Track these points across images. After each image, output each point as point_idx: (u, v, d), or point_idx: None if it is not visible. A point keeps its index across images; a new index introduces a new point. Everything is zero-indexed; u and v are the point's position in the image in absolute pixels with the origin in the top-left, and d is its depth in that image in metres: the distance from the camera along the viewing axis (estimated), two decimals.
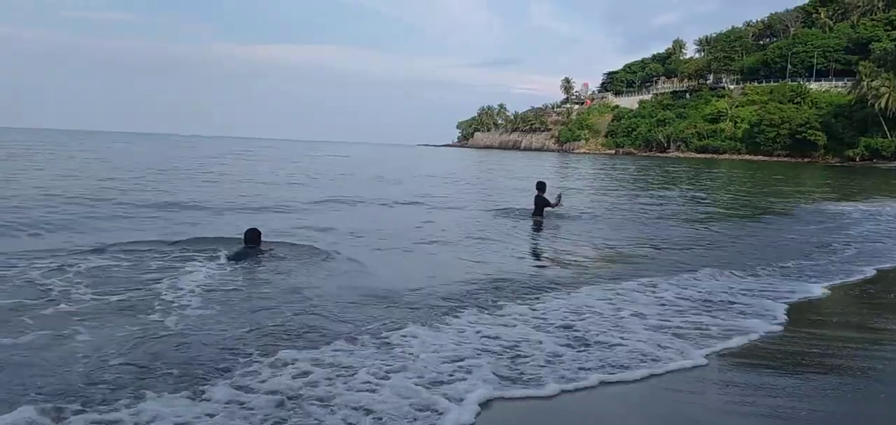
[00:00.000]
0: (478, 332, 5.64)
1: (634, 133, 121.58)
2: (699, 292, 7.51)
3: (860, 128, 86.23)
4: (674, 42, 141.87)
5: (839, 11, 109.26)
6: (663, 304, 6.89)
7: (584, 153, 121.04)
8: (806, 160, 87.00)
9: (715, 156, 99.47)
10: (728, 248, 11.17)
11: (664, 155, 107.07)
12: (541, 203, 13.97)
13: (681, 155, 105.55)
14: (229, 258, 8.56)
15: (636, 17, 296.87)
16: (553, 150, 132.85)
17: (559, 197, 14.16)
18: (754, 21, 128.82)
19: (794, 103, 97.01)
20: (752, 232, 13.85)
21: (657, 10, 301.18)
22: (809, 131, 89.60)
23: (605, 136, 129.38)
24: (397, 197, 18.98)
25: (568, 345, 5.38)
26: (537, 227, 13.13)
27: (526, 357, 5.07)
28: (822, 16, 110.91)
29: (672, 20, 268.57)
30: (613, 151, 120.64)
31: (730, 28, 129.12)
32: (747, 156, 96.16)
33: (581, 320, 6.11)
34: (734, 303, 7.06)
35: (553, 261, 9.70)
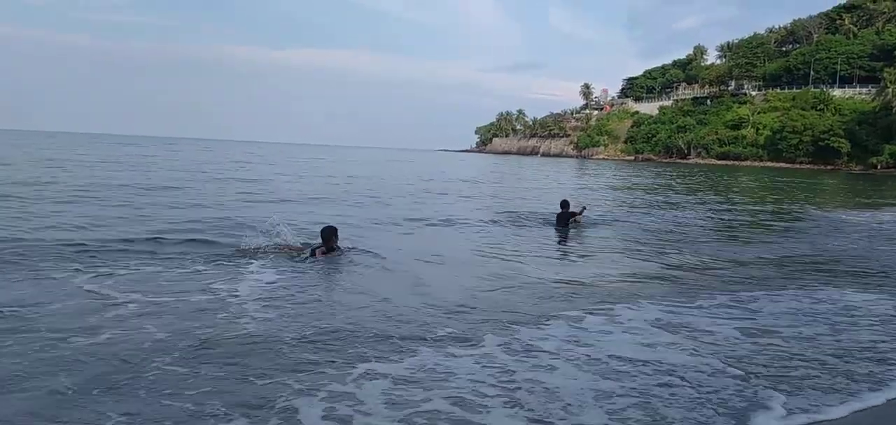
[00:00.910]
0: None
1: (654, 139, 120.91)
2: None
3: (885, 136, 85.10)
4: (694, 48, 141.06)
5: (864, 18, 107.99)
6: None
7: (603, 159, 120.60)
8: (829, 168, 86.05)
9: (736, 163, 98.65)
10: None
11: (684, 161, 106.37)
12: (565, 217, 14.45)
13: (701, 161, 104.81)
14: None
15: (656, 23, 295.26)
16: (571, 156, 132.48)
17: (582, 209, 14.70)
18: (776, 27, 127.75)
19: (816, 110, 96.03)
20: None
21: (678, 15, 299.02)
22: (833, 139, 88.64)
23: (625, 142, 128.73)
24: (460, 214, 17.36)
25: None
26: (563, 238, 13.44)
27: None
28: (846, 22, 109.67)
29: (693, 25, 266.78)
30: (633, 157, 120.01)
31: (751, 34, 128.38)
32: (769, 163, 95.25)
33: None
34: None
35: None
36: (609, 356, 5.31)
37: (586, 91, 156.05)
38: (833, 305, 7.47)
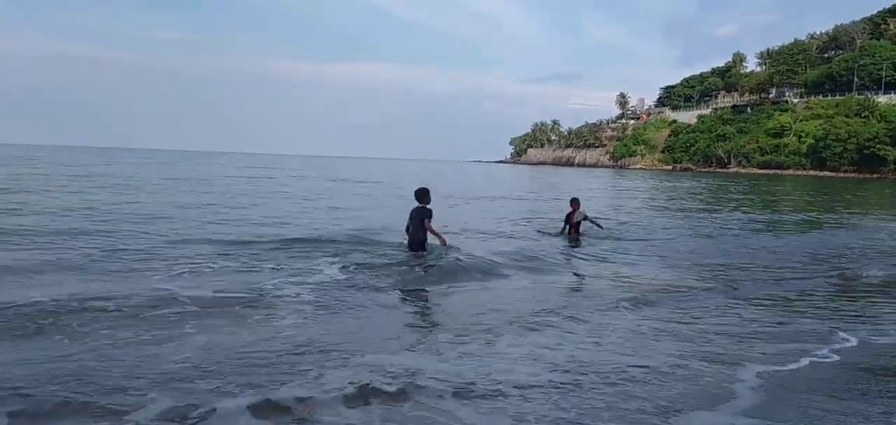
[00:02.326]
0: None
1: (693, 148, 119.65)
2: None
3: None
4: (734, 55, 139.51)
5: None
6: None
7: (640, 169, 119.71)
8: (875, 176, 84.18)
9: (779, 171, 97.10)
10: None
11: (725, 170, 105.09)
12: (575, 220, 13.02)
13: (742, 170, 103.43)
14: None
15: (694, 31, 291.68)
16: (607, 166, 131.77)
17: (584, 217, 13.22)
18: (818, 33, 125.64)
19: (861, 117, 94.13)
20: None
21: (716, 22, 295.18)
22: (878, 146, 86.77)
23: (662, 152, 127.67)
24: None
25: None
26: (575, 243, 12.34)
27: None
28: (892, 27, 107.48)
29: (731, 32, 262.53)
30: (671, 167, 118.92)
31: (793, 40, 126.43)
32: (812, 172, 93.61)
33: None
34: None
35: None
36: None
37: (622, 100, 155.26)
38: None
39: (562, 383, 4.48)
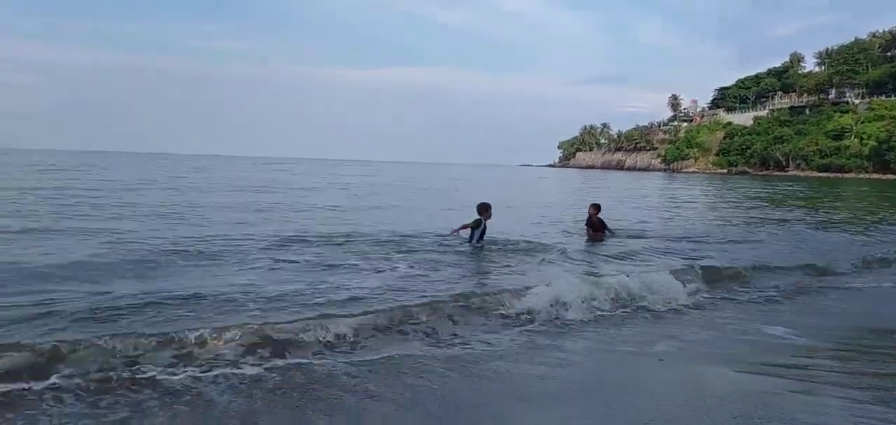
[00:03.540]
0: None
1: (749, 151, 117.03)
2: None
3: None
4: (791, 55, 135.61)
5: None
6: None
7: (693, 172, 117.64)
8: None
9: (840, 175, 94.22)
10: None
11: (783, 174, 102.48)
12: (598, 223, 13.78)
13: (801, 173, 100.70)
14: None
15: (749, 32, 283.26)
16: (659, 170, 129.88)
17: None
18: (881, 31, 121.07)
19: None
20: None
21: (772, 22, 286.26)
22: None
23: (717, 155, 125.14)
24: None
25: None
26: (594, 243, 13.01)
27: None
28: None
29: (788, 33, 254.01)
30: (726, 170, 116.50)
31: (853, 40, 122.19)
32: (875, 175, 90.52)
33: None
34: None
35: None
36: None
37: (675, 102, 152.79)
38: None
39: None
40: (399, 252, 10.51)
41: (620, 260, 10.61)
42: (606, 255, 11.29)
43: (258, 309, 6.40)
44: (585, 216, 14.18)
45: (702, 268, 9.29)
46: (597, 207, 13.89)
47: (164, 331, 5.27)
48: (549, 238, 13.14)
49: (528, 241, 12.14)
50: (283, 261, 9.39)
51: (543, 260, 10.43)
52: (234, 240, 11.13)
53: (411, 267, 9.21)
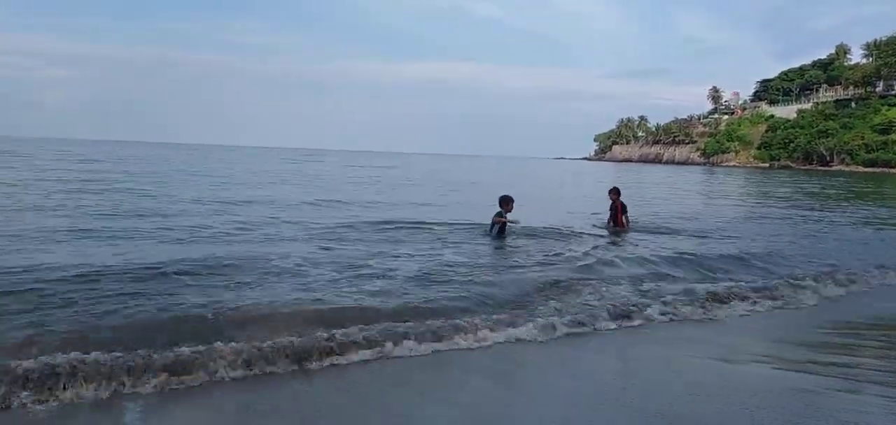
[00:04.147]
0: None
1: (792, 144, 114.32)
2: None
3: None
4: (836, 47, 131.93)
5: None
6: None
7: (734, 166, 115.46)
8: None
9: (887, 170, 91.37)
10: None
11: (826, 168, 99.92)
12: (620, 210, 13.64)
13: (846, 168, 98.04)
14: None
15: (793, 23, 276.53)
16: (698, 163, 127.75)
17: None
18: None
19: None
20: None
21: (817, 14, 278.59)
22: None
23: (758, 148, 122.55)
24: None
25: None
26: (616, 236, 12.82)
27: None
28: None
29: (834, 24, 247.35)
30: (768, 164, 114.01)
31: None
32: None
33: None
34: None
35: None
36: None
37: (715, 95, 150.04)
38: None
39: None
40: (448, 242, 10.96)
41: (642, 263, 9.81)
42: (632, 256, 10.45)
43: None
44: (607, 212, 14.06)
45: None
46: (617, 191, 13.76)
47: None
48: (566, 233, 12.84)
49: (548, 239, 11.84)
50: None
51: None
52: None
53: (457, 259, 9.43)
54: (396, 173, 41.72)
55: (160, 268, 7.51)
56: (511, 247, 10.85)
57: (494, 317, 6.31)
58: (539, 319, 6.29)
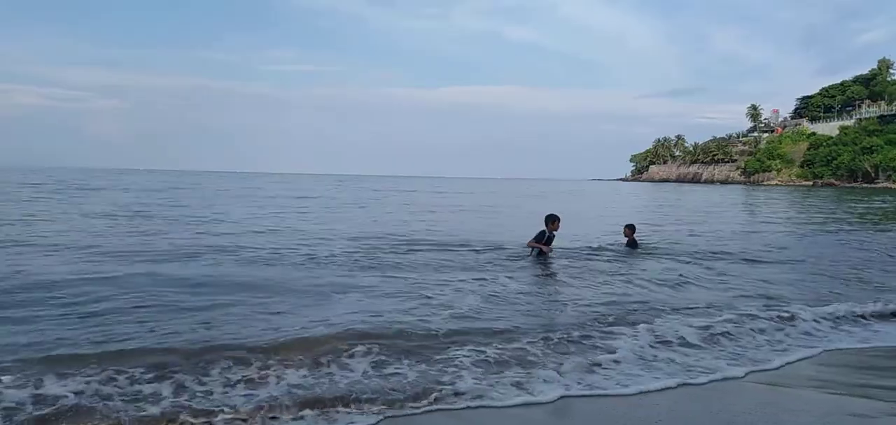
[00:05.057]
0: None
1: (835, 162, 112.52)
2: None
3: None
4: (879, 62, 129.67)
5: None
6: None
7: (776, 185, 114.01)
8: None
9: None
10: None
11: (872, 186, 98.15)
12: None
13: (892, 186, 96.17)
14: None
15: (834, 39, 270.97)
16: (738, 182, 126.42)
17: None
18: None
19: None
20: None
21: (859, 29, 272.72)
22: None
23: (801, 167, 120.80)
24: None
25: None
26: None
27: None
28: None
29: (876, 39, 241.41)
30: (811, 183, 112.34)
31: None
32: None
33: None
34: None
35: None
36: None
37: (754, 112, 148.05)
38: None
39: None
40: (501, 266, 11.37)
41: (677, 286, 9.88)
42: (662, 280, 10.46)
43: None
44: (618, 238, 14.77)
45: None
46: (632, 228, 14.35)
47: None
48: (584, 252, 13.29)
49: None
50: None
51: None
52: None
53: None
54: (452, 200, 42.63)
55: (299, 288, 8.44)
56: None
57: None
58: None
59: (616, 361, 5.81)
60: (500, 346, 6.01)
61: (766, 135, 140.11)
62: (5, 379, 4.69)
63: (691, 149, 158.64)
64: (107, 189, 41.70)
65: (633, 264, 12.01)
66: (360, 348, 5.71)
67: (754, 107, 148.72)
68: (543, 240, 11.91)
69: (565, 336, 6.51)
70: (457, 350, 5.86)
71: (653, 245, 15.20)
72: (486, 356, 5.74)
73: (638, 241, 14.25)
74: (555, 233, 12.15)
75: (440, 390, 4.93)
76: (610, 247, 14.13)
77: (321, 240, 14.75)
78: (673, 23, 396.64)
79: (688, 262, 12.38)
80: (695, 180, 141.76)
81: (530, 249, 12.04)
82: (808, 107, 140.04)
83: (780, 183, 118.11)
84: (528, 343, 6.19)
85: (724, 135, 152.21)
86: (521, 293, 9.04)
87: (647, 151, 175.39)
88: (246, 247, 12.77)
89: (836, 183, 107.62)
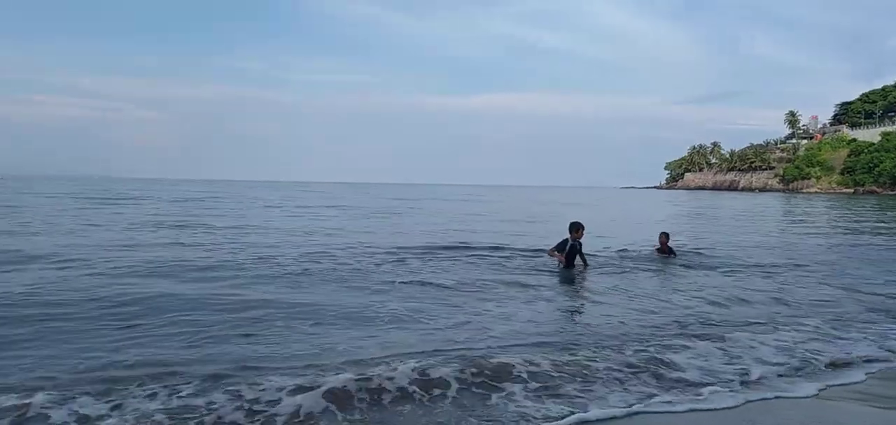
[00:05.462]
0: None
1: (877, 169, 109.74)
2: None
3: None
4: None
5: None
6: None
7: (815, 192, 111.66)
8: None
9: None
10: None
11: None
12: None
13: None
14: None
15: (875, 42, 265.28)
16: (777, 190, 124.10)
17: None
18: None
19: None
20: None
21: None
22: None
23: (841, 174, 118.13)
24: None
25: None
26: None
27: None
28: None
29: None
30: (852, 190, 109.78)
31: None
32: None
33: None
34: None
35: None
36: None
37: (792, 119, 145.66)
38: None
39: None
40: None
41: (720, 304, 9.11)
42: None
43: None
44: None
45: None
46: (666, 236, 14.04)
47: None
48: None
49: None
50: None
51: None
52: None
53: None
54: (483, 207, 42.58)
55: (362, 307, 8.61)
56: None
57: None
58: None
59: (680, 375, 5.61)
60: (555, 360, 5.83)
61: (804, 141, 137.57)
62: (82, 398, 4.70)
63: (728, 156, 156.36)
64: (145, 199, 42.55)
65: (673, 274, 11.78)
66: (405, 366, 5.44)
67: (792, 114, 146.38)
68: (566, 249, 11.35)
69: (618, 348, 6.33)
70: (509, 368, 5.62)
71: (692, 250, 14.97)
72: (542, 368, 5.59)
73: (674, 250, 13.96)
74: (580, 241, 11.56)
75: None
76: (644, 254, 13.97)
77: (368, 248, 14.84)
78: (706, 27, 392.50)
79: (733, 272, 12.03)
80: (732, 188, 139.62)
81: (557, 262, 11.53)
82: (848, 113, 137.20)
83: (819, 190, 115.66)
84: (585, 357, 5.98)
85: (761, 142, 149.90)
86: (566, 305, 8.94)
87: (683, 159, 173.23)
88: (327, 255, 12.94)
89: (878, 190, 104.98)
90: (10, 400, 4.53)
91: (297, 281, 10.34)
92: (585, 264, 11.63)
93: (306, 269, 11.35)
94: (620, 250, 14.34)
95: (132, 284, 9.30)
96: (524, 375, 5.39)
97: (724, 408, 4.94)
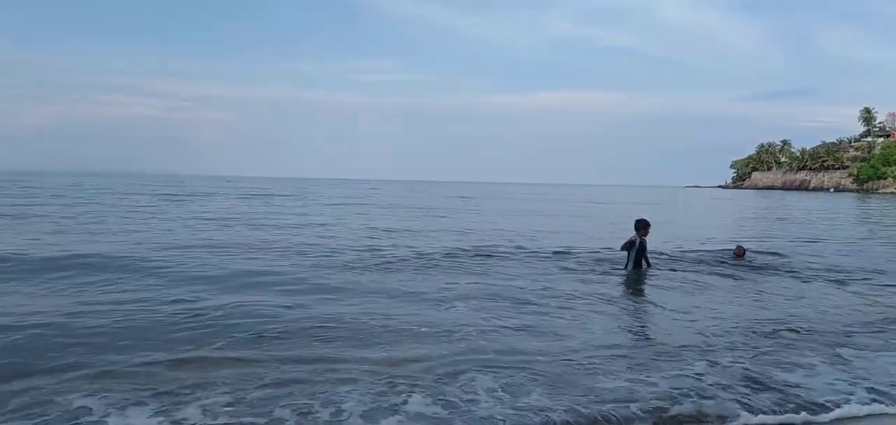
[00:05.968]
0: None
1: None
2: None
3: None
4: None
5: None
6: None
7: (892, 193, 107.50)
8: None
9: None
10: None
11: None
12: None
13: None
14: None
15: None
16: (851, 190, 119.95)
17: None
18: None
19: None
20: None
21: None
22: None
23: None
24: None
25: None
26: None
27: None
28: None
29: None
30: None
31: None
32: None
33: None
34: None
35: None
36: None
37: (867, 116, 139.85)
38: None
39: None
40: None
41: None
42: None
43: None
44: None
45: None
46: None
47: None
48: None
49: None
50: None
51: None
52: None
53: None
54: (546, 206, 43.04)
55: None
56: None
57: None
58: None
59: (791, 384, 5.43)
60: (665, 370, 5.69)
61: (880, 139, 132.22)
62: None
63: (798, 154, 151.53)
64: (215, 194, 44.47)
65: (753, 279, 11.49)
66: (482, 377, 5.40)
67: (867, 110, 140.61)
68: (635, 247, 11.22)
69: (714, 355, 6.23)
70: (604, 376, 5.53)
71: (768, 252, 14.96)
72: (652, 379, 5.44)
73: (747, 256, 13.69)
74: (645, 239, 11.41)
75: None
76: (719, 256, 13.76)
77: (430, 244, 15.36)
78: (775, 22, 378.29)
79: (814, 280, 11.54)
80: (802, 188, 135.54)
81: (626, 259, 11.45)
82: None
83: None
84: (692, 369, 5.74)
85: (834, 141, 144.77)
86: (652, 309, 8.90)
87: (750, 157, 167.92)
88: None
89: None
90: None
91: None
92: (649, 264, 11.57)
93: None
94: (697, 252, 14.45)
95: (208, 279, 9.97)
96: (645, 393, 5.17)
97: (854, 417, 4.92)
